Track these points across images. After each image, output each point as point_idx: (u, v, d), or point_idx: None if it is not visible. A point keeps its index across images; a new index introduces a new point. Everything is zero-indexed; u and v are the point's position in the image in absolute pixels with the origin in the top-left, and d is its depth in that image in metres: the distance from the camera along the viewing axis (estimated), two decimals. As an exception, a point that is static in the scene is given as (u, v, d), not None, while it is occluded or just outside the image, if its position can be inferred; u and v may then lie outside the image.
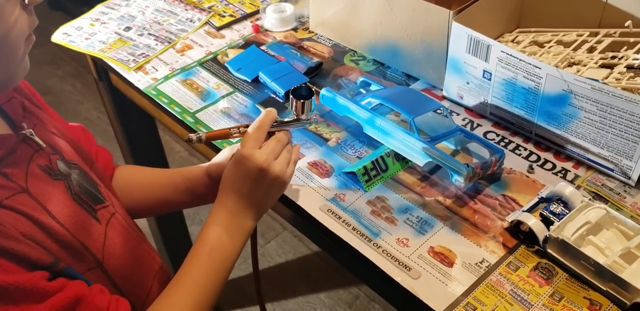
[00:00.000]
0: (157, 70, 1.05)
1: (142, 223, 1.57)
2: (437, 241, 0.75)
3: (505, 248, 0.74)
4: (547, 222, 0.73)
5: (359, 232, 0.77)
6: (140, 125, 1.30)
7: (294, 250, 1.80)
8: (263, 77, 0.99)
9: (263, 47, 1.07)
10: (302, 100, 0.73)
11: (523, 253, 0.73)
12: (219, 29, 1.13)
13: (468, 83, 0.90)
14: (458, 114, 0.93)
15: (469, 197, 0.80)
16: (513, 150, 0.87)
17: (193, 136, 0.71)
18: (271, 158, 0.69)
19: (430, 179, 0.83)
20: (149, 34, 1.13)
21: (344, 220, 0.78)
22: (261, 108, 0.96)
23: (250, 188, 0.70)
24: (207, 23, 1.15)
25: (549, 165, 0.84)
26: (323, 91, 0.91)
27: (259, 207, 0.72)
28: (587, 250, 0.69)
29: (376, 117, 0.85)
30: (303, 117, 0.75)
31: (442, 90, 0.96)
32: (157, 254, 0.81)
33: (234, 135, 0.72)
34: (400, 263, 0.73)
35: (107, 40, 1.12)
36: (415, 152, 0.81)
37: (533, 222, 0.72)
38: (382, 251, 0.74)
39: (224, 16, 1.16)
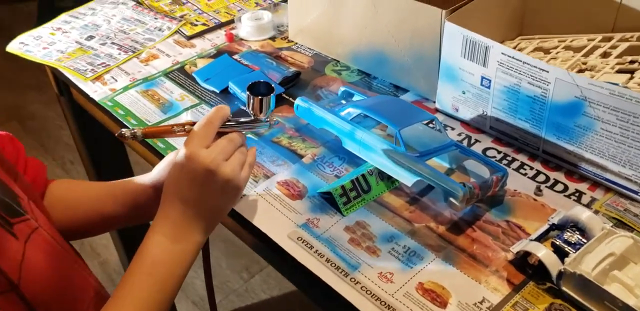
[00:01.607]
0: (116, 80, 0.95)
1: (109, 246, 1.44)
2: (427, 277, 0.64)
3: (510, 285, 0.63)
4: (561, 254, 0.62)
5: (333, 265, 0.65)
6: (106, 143, 1.18)
7: (279, 286, 1.66)
8: (233, 87, 0.89)
9: (236, 57, 0.97)
10: (259, 97, 0.65)
11: (532, 292, 0.62)
12: (190, 38, 1.03)
13: (464, 93, 0.79)
14: (453, 129, 0.82)
15: (466, 224, 0.69)
16: (517, 170, 0.75)
17: (126, 131, 0.61)
18: (220, 158, 0.61)
19: (420, 202, 0.72)
20: (113, 43, 1.03)
21: (316, 250, 0.66)
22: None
23: (197, 194, 0.61)
24: (177, 32, 1.05)
25: (559, 187, 0.72)
26: (297, 101, 0.80)
27: (208, 218, 0.63)
28: (612, 289, 0.57)
29: (357, 128, 0.73)
30: (261, 116, 0.67)
31: (434, 102, 0.85)
32: (93, 278, 0.69)
33: (178, 133, 0.63)
34: (382, 303, 0.61)
35: (66, 50, 1.02)
36: (402, 169, 0.69)
37: (543, 253, 0.61)
38: (361, 288, 0.62)
39: (196, 25, 1.06)
